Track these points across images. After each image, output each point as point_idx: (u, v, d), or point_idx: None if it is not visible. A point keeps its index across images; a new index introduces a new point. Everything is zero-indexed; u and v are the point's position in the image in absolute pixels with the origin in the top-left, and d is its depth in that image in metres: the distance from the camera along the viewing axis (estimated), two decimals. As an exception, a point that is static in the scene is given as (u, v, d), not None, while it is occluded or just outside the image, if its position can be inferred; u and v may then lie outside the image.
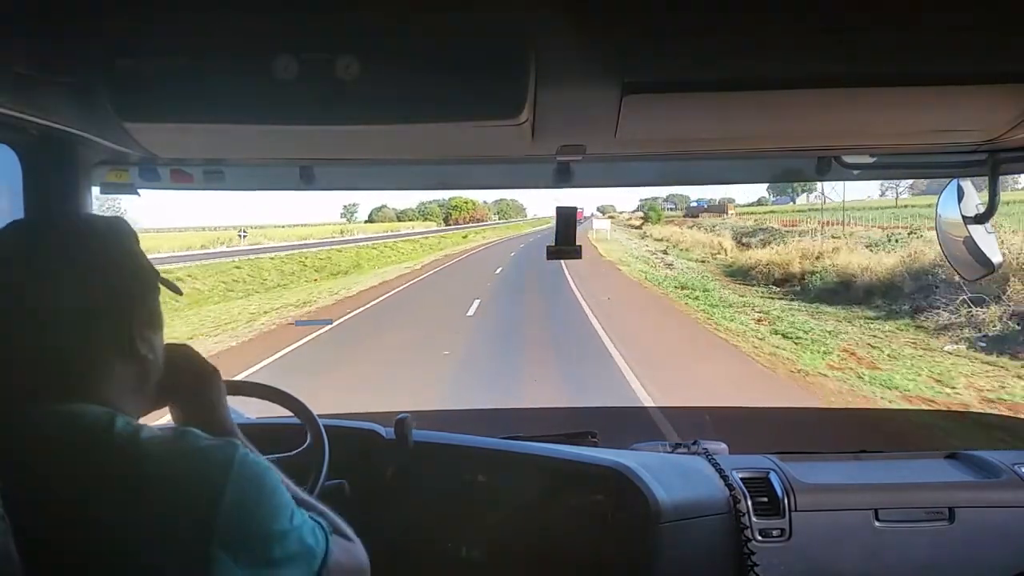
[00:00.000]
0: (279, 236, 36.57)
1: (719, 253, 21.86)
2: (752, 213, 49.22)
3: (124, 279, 0.66)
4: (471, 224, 68.55)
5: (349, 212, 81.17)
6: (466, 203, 73.74)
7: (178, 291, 0.79)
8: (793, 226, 26.71)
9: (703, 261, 21.08)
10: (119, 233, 0.68)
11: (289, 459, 1.11)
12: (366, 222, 70.82)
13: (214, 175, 1.22)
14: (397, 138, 0.93)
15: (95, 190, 1.19)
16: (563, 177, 1.27)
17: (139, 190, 1.26)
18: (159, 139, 0.97)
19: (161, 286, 0.71)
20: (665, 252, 24.71)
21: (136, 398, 0.67)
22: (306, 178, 1.24)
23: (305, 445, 1.12)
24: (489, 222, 78.65)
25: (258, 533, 0.58)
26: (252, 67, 0.73)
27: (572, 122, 0.97)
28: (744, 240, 24.05)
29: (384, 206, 79.48)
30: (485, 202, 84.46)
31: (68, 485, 0.55)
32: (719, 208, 55.18)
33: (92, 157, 1.14)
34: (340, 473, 1.14)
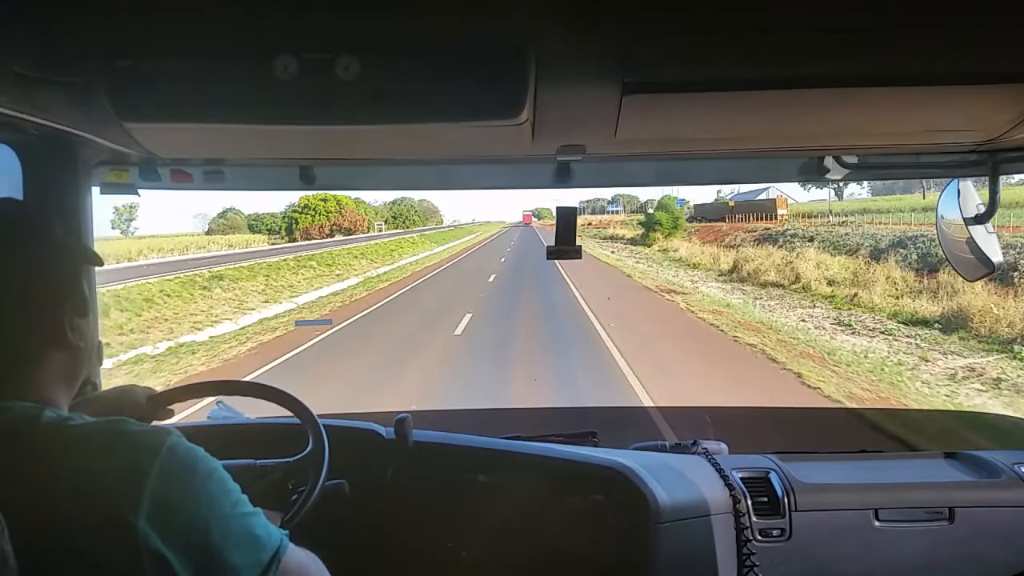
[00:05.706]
0: None
1: None
2: (816, 213, 28.11)
3: (54, 265, 0.64)
4: (327, 241, 32.30)
5: (123, 219, 41.74)
6: (325, 202, 37.35)
7: (99, 262, 0.75)
8: None
9: None
10: (39, 216, 0.66)
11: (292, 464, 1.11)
12: (206, 233, 41.32)
13: (214, 175, 1.23)
14: (397, 138, 0.93)
15: (95, 190, 1.20)
16: (563, 177, 1.27)
17: (139, 190, 1.26)
18: (159, 139, 0.97)
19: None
20: None
21: (66, 387, 0.66)
22: (306, 178, 1.24)
23: (308, 449, 1.12)
24: (365, 235, 36.73)
25: (190, 517, 0.57)
26: (252, 67, 0.73)
27: (572, 122, 0.97)
28: None
29: (231, 209, 44.91)
30: (381, 202, 48.86)
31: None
32: (759, 207, 30.94)
33: (92, 157, 1.14)
34: (340, 473, 1.14)
